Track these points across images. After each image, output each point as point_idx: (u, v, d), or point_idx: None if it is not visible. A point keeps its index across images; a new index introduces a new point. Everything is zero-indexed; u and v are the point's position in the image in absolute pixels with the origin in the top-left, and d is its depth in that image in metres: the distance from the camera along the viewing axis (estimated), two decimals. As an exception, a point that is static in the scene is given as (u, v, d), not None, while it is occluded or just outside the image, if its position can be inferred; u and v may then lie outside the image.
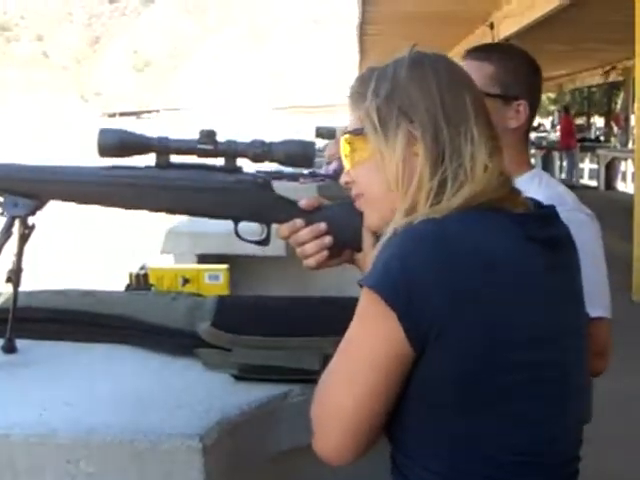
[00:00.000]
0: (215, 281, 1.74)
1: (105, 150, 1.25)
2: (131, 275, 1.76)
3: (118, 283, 1.93)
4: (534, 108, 1.73)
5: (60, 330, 1.49)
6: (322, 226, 1.24)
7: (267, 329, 1.32)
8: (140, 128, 1.39)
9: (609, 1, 7.85)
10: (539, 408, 1.02)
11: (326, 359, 1.26)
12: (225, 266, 1.78)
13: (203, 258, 2.91)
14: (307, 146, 1.25)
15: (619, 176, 14.75)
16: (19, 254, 1.34)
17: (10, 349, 1.43)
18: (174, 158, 1.29)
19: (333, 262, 1.28)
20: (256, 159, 1.25)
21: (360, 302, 1.02)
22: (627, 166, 14.10)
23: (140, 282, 1.75)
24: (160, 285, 1.75)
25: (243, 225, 1.31)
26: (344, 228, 1.22)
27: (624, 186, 14.42)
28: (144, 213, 1.33)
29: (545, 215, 1.11)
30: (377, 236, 1.17)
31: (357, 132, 1.12)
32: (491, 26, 9.57)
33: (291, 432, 1.25)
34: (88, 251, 7.55)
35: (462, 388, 0.99)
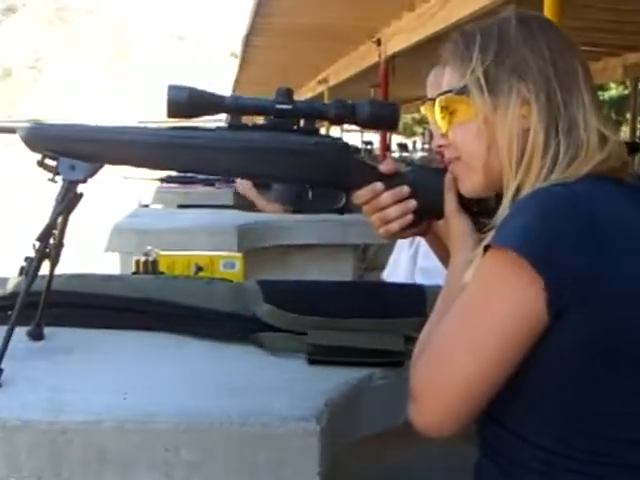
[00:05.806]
0: (231, 269, 1.64)
1: (175, 108, 1.13)
2: (138, 262, 1.64)
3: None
4: None
5: (89, 315, 1.36)
6: (405, 189, 1.16)
7: (338, 311, 1.26)
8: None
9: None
10: None
11: (407, 340, 1.22)
12: (240, 254, 1.68)
13: (152, 255, 2.77)
14: (394, 108, 1.19)
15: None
16: (63, 226, 1.21)
17: (38, 336, 1.29)
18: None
19: (407, 232, 1.19)
20: (338, 120, 1.18)
21: (489, 266, 0.95)
22: None
23: (148, 269, 1.63)
24: (171, 272, 1.63)
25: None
26: (427, 193, 1.16)
27: None
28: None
29: None
30: (464, 202, 1.11)
31: (459, 92, 1.05)
32: (378, 42, 9.75)
33: (372, 416, 1.20)
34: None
35: (596, 359, 0.94)
